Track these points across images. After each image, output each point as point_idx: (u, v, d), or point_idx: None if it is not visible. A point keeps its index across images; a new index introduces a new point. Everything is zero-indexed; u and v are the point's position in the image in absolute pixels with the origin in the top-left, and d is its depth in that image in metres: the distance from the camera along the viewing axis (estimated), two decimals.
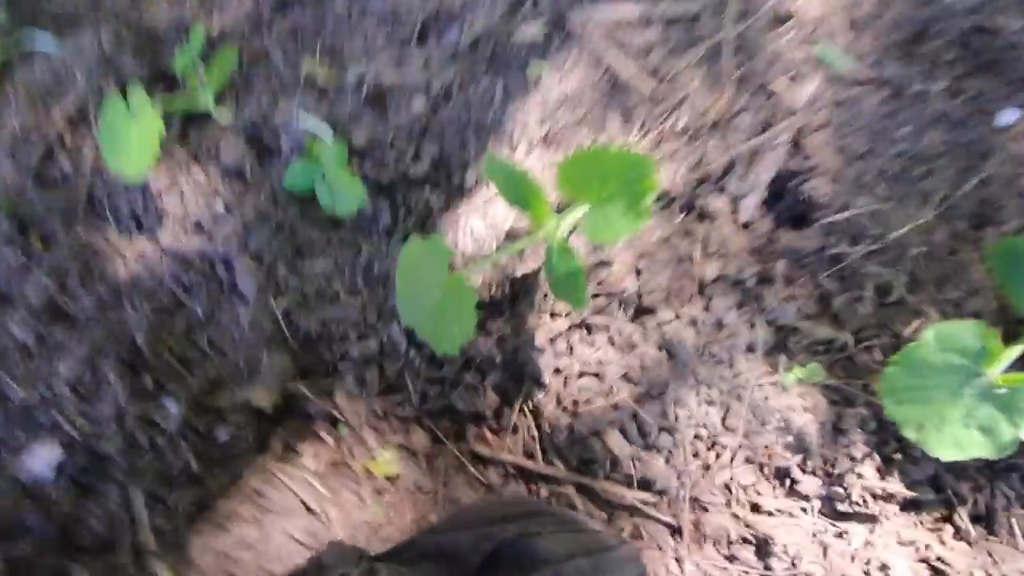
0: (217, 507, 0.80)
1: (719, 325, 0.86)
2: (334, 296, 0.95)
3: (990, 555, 0.73)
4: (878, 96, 1.02)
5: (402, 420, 0.85)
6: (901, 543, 0.74)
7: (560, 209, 0.89)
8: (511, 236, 0.91)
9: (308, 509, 0.80)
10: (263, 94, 1.11)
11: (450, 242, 0.94)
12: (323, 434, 0.84)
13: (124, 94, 0.99)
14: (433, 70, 1.10)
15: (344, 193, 0.97)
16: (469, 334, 0.73)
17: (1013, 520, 0.75)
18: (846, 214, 0.91)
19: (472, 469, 0.81)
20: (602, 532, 0.64)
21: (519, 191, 0.72)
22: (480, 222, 0.94)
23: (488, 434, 0.84)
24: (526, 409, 0.84)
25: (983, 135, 0.97)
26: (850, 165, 0.94)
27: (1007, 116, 0.98)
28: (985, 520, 0.75)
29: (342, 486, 0.81)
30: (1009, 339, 0.84)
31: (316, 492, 0.80)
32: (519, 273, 0.89)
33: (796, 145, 0.96)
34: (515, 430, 0.83)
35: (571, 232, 0.90)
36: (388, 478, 0.81)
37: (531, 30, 1.08)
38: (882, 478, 0.79)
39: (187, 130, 1.14)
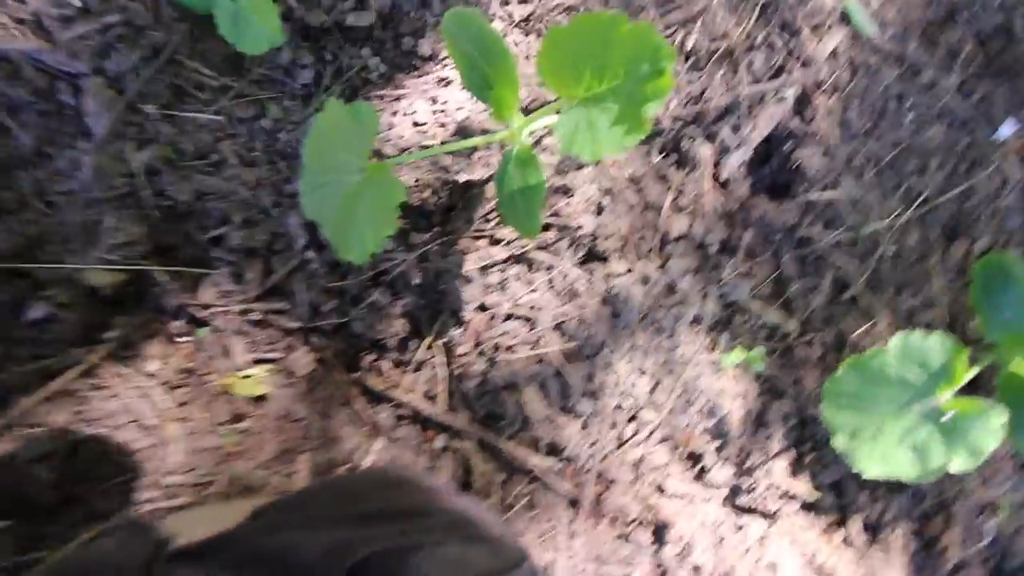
0: (16, 404, 0.60)
1: (671, 289, 0.77)
2: (220, 162, 0.74)
3: (870, 566, 0.74)
4: (893, 73, 0.92)
5: (283, 333, 0.69)
6: (794, 543, 0.73)
7: (529, 111, 0.72)
8: (462, 131, 0.73)
9: (140, 425, 0.63)
10: None
11: (383, 123, 0.75)
12: (176, 334, 0.66)
13: None
14: None
15: (255, 24, 0.72)
16: (384, 241, 0.58)
17: (897, 533, 0.75)
18: (828, 195, 0.82)
19: (359, 404, 0.69)
20: (499, 539, 0.49)
21: (485, 62, 0.53)
22: (426, 105, 0.75)
23: (386, 366, 0.70)
24: (437, 345, 0.71)
25: (980, 143, 0.91)
26: (848, 141, 0.85)
27: (1007, 128, 0.92)
28: (873, 530, 0.75)
29: (191, 401, 0.65)
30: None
31: (154, 404, 0.63)
32: (462, 179, 0.73)
33: (800, 104, 0.84)
34: (419, 367, 0.70)
35: (539, 141, 0.74)
36: (252, 399, 0.66)
37: None
38: (790, 476, 0.76)
39: None
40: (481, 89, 0.55)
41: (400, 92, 0.76)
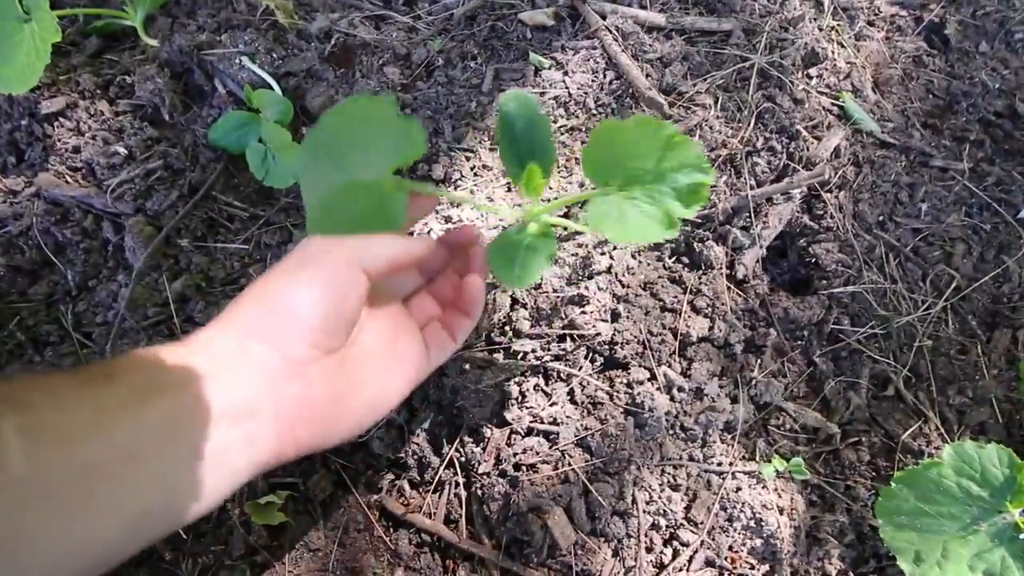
0: None
1: (698, 394, 0.74)
2: (246, 285, 0.77)
3: None
4: (900, 165, 0.93)
5: (303, 456, 0.68)
6: None
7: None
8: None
9: (159, 558, 0.61)
10: (206, 24, 0.91)
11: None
12: None
13: None
14: (418, 38, 0.94)
15: (282, 161, 0.79)
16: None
17: None
18: (851, 288, 0.80)
19: (379, 530, 0.65)
20: None
21: (529, 138, 0.55)
22: (440, 225, 0.79)
23: (406, 487, 0.68)
24: (457, 463, 0.68)
25: (1004, 227, 0.89)
26: (864, 234, 0.84)
27: None
28: None
29: (208, 532, 0.63)
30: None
31: (168, 537, 0.62)
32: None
33: (810, 201, 0.85)
34: (439, 488, 0.67)
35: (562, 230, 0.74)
36: (270, 529, 0.64)
37: (540, 14, 0.93)
38: None
39: (105, 51, 0.94)
40: (519, 161, 0.56)
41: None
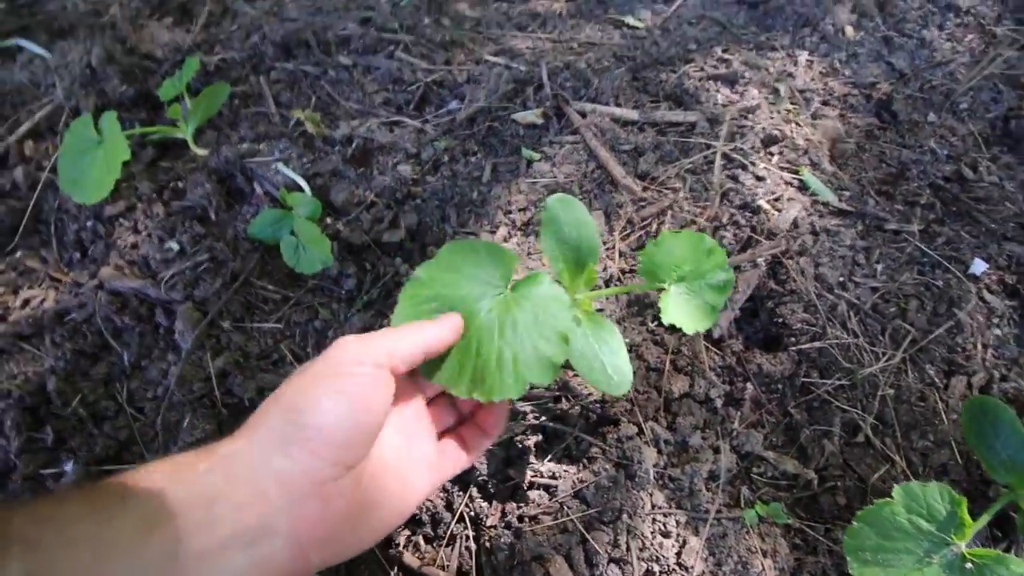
0: None
1: (683, 446, 0.82)
2: (279, 360, 0.88)
3: None
4: (856, 230, 1.04)
5: None
6: None
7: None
8: None
9: None
10: (247, 135, 1.07)
11: None
12: None
13: (102, 114, 0.94)
14: (426, 138, 1.09)
15: (311, 250, 0.91)
16: None
17: None
18: (817, 344, 0.89)
19: None
20: None
21: (578, 239, 0.64)
22: None
23: (422, 542, 0.75)
24: (467, 518, 0.76)
25: (955, 282, 0.98)
26: (825, 295, 0.94)
27: (979, 266, 1.00)
28: None
29: None
30: (975, 498, 0.82)
31: None
32: None
33: (774, 267, 0.96)
34: (451, 542, 0.74)
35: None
36: None
37: (530, 115, 1.08)
38: None
39: (160, 159, 1.09)
40: (566, 260, 0.64)
41: None
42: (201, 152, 1.03)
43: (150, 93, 1.14)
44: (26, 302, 0.94)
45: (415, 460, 0.50)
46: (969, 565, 0.60)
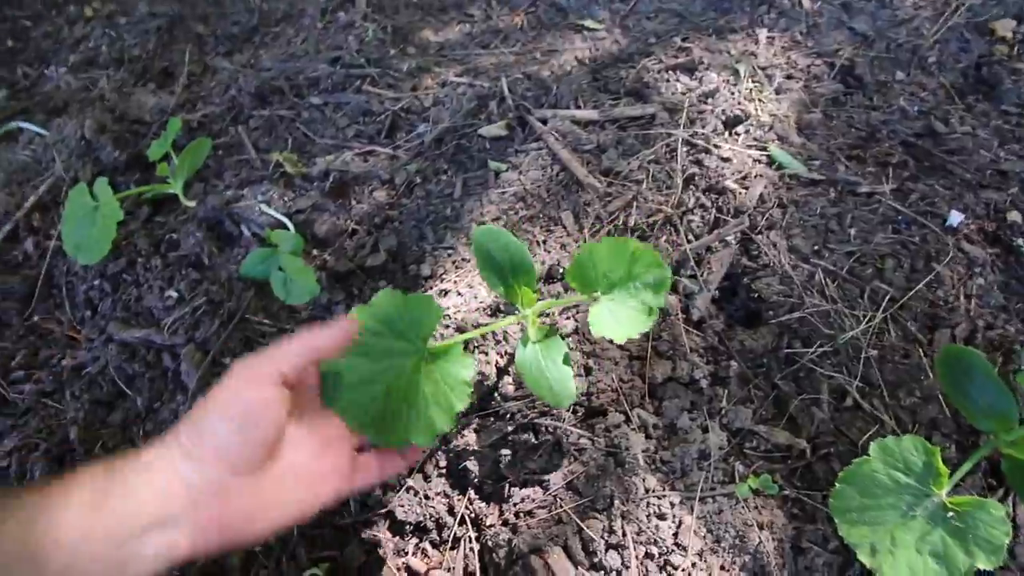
0: None
1: (671, 429, 0.83)
2: None
3: None
4: (827, 197, 1.05)
5: (337, 530, 0.80)
6: None
7: (501, 310, 0.89)
8: (461, 329, 0.90)
9: None
10: (231, 182, 1.14)
11: None
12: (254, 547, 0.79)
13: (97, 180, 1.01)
14: (398, 164, 1.14)
15: (298, 283, 0.96)
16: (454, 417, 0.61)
17: None
18: (797, 314, 0.90)
19: None
20: None
21: (508, 264, 0.68)
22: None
23: (428, 548, 0.78)
24: (468, 520, 0.79)
25: (932, 236, 0.98)
26: (801, 264, 0.95)
27: (955, 218, 1.00)
28: None
29: None
30: (966, 448, 0.81)
31: None
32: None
33: (746, 244, 0.97)
34: (455, 544, 0.77)
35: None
36: None
37: (495, 128, 1.12)
38: None
39: (154, 215, 1.16)
40: (503, 282, 0.69)
41: None
42: (190, 204, 1.09)
43: (141, 155, 1.21)
44: (47, 361, 1.01)
45: (326, 470, 0.54)
46: (951, 514, 0.61)
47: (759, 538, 0.77)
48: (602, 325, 0.66)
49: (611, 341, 0.69)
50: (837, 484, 0.67)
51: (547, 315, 0.91)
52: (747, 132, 1.15)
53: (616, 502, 0.77)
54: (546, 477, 0.79)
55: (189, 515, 0.45)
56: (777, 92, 1.25)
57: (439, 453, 0.83)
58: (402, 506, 0.82)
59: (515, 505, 0.78)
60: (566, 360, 0.69)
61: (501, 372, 0.87)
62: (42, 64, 1.54)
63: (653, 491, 0.79)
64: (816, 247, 0.97)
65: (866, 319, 0.89)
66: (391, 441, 0.58)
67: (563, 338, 0.88)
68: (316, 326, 0.54)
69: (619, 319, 0.66)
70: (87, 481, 0.44)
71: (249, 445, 0.47)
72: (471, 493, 0.81)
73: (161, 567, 0.44)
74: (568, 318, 0.89)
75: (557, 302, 0.76)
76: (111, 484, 0.44)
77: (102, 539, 0.42)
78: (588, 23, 1.44)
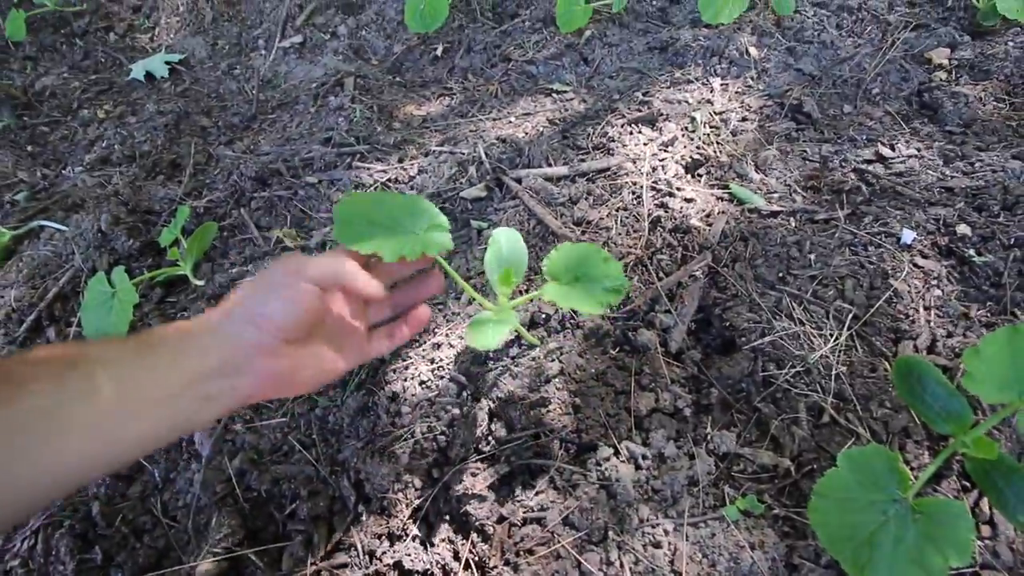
0: None
1: (660, 458, 0.88)
2: (288, 451, 0.98)
3: None
4: (787, 227, 1.12)
5: None
6: None
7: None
8: (456, 381, 0.96)
9: None
10: (236, 260, 1.23)
11: (397, 389, 0.99)
12: None
13: (113, 269, 1.10)
14: None
15: None
16: None
17: None
18: (768, 339, 0.96)
19: None
20: None
21: (510, 254, 0.84)
22: (427, 367, 1.00)
23: None
24: (472, 563, 0.82)
25: (888, 254, 1.05)
26: (768, 292, 1.01)
27: (908, 235, 1.07)
28: None
29: None
30: (937, 453, 0.85)
31: None
32: (459, 411, 0.92)
33: (714, 277, 1.04)
34: None
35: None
36: None
37: (475, 190, 1.22)
38: None
39: (167, 296, 1.25)
40: (501, 268, 0.83)
41: (407, 363, 1.01)
42: (199, 283, 1.18)
43: (153, 241, 1.31)
44: None
45: (348, 342, 0.69)
46: (918, 515, 0.64)
47: (752, 558, 0.80)
48: (555, 295, 0.79)
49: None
50: (812, 498, 0.70)
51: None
52: (708, 173, 1.24)
53: (611, 533, 0.81)
54: (543, 514, 0.83)
55: (251, 365, 0.57)
56: (734, 134, 1.35)
57: (441, 501, 0.88)
58: (409, 555, 0.86)
59: (516, 544, 0.81)
60: (510, 328, 0.79)
61: (493, 417, 0.92)
62: (60, 165, 1.68)
63: (647, 520, 0.82)
64: (780, 274, 1.03)
65: (833, 338, 0.95)
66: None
67: (548, 380, 0.94)
68: (343, 252, 0.66)
69: (580, 301, 0.78)
70: (171, 337, 0.56)
71: (294, 320, 0.59)
72: (473, 536, 0.84)
73: (224, 406, 0.57)
74: (553, 360, 0.95)
75: (532, 295, 0.86)
76: (186, 343, 0.56)
77: (186, 382, 0.54)
78: (556, 86, 1.57)
